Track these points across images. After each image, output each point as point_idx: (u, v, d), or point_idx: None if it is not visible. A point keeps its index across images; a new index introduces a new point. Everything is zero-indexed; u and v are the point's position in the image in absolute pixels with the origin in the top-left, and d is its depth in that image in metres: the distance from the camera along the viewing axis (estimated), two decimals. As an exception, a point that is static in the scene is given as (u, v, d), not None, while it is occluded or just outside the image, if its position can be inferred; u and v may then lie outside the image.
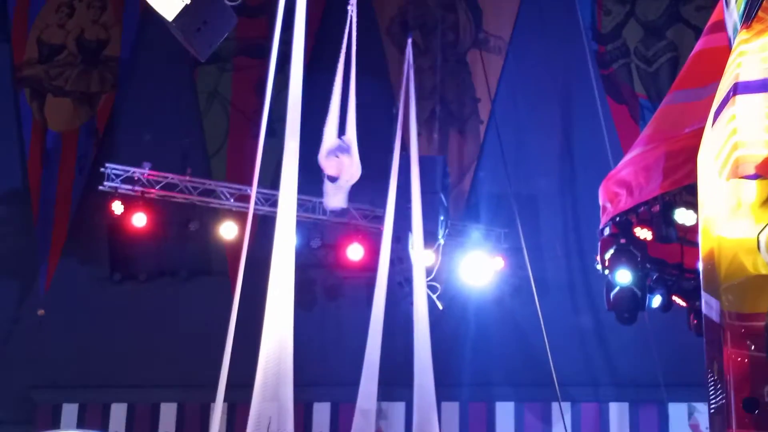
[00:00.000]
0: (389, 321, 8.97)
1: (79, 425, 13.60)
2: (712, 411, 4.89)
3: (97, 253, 13.99)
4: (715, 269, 4.75)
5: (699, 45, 7.32)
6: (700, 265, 5.07)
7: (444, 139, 13.93)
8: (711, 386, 4.86)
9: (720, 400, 4.70)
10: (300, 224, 7.27)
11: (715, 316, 4.75)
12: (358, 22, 8.25)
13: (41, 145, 14.68)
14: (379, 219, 10.64)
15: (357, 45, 8.51)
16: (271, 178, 10.67)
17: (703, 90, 6.71)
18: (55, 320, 14.05)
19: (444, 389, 10.36)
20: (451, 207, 12.90)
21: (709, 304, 4.86)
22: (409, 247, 10.14)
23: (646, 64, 13.62)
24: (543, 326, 8.94)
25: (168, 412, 13.89)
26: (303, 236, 12.14)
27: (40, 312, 14.11)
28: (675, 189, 6.50)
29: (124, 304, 13.92)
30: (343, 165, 8.02)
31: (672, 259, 7.75)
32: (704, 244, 4.99)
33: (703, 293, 4.98)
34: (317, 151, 8.02)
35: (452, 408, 13.33)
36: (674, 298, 7.97)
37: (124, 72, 14.92)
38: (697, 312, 7.90)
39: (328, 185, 8.09)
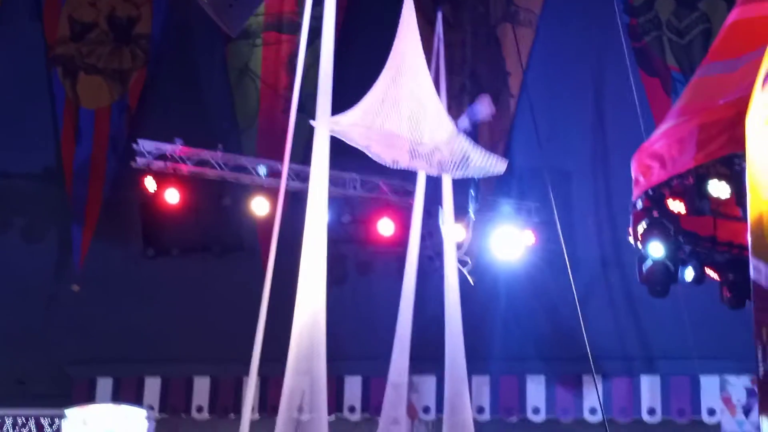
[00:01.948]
0: (420, 295, 9.01)
1: (114, 399, 13.77)
2: (762, 378, 4.82)
3: (131, 230, 14.09)
4: (764, 234, 4.66)
5: (733, 16, 7.24)
6: (749, 230, 5.00)
7: (474, 113, 13.87)
8: (760, 353, 4.79)
9: (769, 366, 4.62)
10: (331, 200, 7.29)
11: (764, 282, 4.67)
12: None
13: (74, 122, 14.79)
14: (410, 194, 10.65)
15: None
16: (302, 154, 10.72)
17: (737, 61, 6.64)
18: (89, 296, 14.21)
19: (475, 363, 10.39)
20: (482, 181, 12.86)
21: (758, 270, 4.79)
22: (440, 221, 10.16)
23: (678, 36, 13.48)
24: (576, 299, 8.91)
25: (201, 386, 14.03)
26: (334, 211, 12.16)
27: (75, 288, 14.27)
28: (709, 161, 6.45)
29: (158, 279, 14.04)
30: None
31: (704, 232, 7.69)
32: (753, 208, 4.90)
33: (751, 258, 4.91)
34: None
35: (483, 381, 13.37)
36: (707, 270, 7.92)
37: (155, 49, 14.96)
38: (731, 284, 7.87)
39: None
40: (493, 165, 8.55)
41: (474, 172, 8.70)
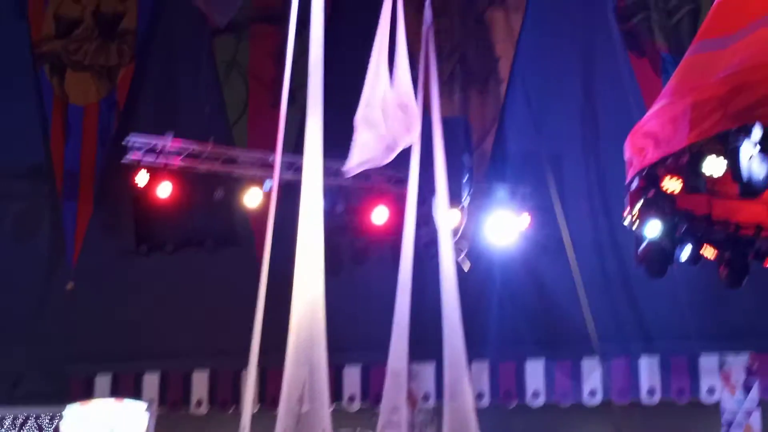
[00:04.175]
0: (416, 283, 8.98)
1: (113, 395, 13.73)
2: None
3: (123, 226, 14.06)
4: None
5: (722, -7, 7.22)
6: None
7: (465, 99, 13.85)
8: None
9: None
10: (324, 189, 7.26)
11: None
12: (374, -17, 8.20)
13: (63, 120, 14.73)
14: (403, 182, 10.59)
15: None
16: (294, 144, 10.68)
17: (728, 38, 6.62)
18: (84, 293, 14.17)
19: (473, 349, 10.37)
20: (475, 167, 12.86)
21: None
22: (434, 208, 10.12)
23: (666, 16, 13.46)
24: (578, 281, 8.92)
25: (200, 380, 14.01)
26: (327, 201, 11.98)
27: (69, 286, 14.22)
28: (703, 139, 6.44)
29: (152, 275, 14.01)
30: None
31: (700, 211, 7.70)
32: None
33: None
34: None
35: (482, 367, 13.37)
36: (703, 250, 7.92)
37: (141, 44, 14.92)
38: (727, 263, 7.88)
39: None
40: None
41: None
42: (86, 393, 13.83)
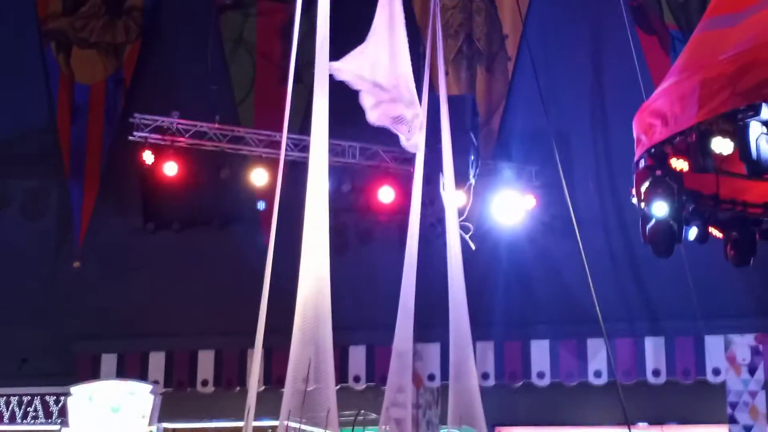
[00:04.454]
0: (422, 263, 8.96)
1: (119, 374, 13.78)
2: None
3: (130, 204, 14.07)
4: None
5: (732, -30, 7.14)
6: None
7: (472, 77, 13.79)
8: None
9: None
10: (330, 169, 7.24)
11: None
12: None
13: (69, 98, 14.70)
14: (409, 161, 10.58)
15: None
16: (300, 124, 10.64)
17: (738, 15, 6.56)
18: (91, 272, 14.19)
19: (479, 329, 10.37)
20: (481, 146, 12.81)
21: None
22: (441, 188, 10.10)
23: (675, -7, 13.38)
24: (585, 261, 8.86)
25: (206, 360, 14.03)
26: (333, 181, 12.08)
27: (76, 264, 14.24)
28: (711, 117, 6.37)
29: (159, 253, 14.02)
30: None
31: (707, 190, 7.63)
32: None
33: None
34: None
35: (487, 347, 13.37)
36: (710, 229, 7.87)
37: (148, 21, 14.86)
38: (734, 242, 7.82)
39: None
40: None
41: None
42: (93, 372, 13.87)
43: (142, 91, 14.55)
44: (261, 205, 12.83)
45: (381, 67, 7.99)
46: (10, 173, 14.85)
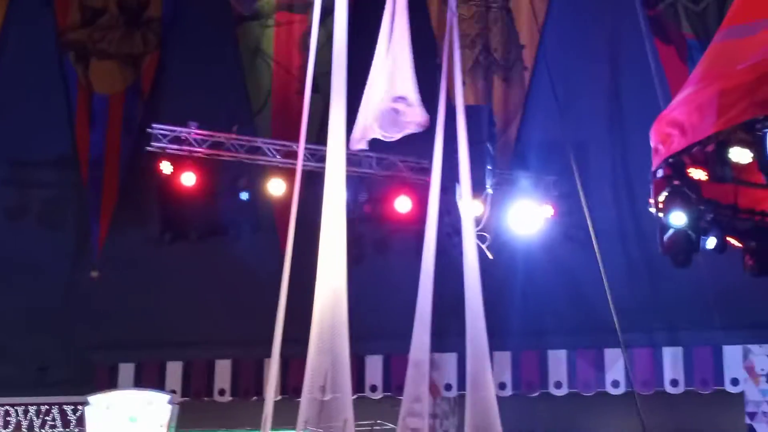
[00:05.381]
0: (439, 273, 8.95)
1: (136, 384, 13.81)
2: None
3: (148, 214, 14.11)
4: None
5: (749, -20, 7.12)
6: None
7: (488, 87, 13.79)
8: None
9: None
10: (347, 179, 7.26)
11: None
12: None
13: (88, 108, 14.77)
14: (426, 171, 10.58)
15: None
16: (317, 134, 10.67)
17: (756, 25, 6.54)
18: (109, 282, 14.24)
19: (495, 339, 10.34)
20: (498, 156, 12.80)
21: None
22: (457, 197, 10.09)
23: (693, 3, 13.34)
24: (603, 271, 8.84)
25: (223, 369, 14.05)
26: (350, 191, 12.08)
27: (94, 274, 14.29)
28: (730, 127, 6.35)
29: (177, 263, 14.05)
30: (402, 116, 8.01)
31: (725, 200, 7.61)
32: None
33: None
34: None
35: (504, 357, 13.34)
36: (729, 239, 7.84)
37: (166, 32, 14.93)
38: (753, 252, 7.79)
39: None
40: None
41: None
42: (111, 381, 13.91)
43: (161, 101, 14.61)
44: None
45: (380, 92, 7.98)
46: (29, 183, 14.93)
